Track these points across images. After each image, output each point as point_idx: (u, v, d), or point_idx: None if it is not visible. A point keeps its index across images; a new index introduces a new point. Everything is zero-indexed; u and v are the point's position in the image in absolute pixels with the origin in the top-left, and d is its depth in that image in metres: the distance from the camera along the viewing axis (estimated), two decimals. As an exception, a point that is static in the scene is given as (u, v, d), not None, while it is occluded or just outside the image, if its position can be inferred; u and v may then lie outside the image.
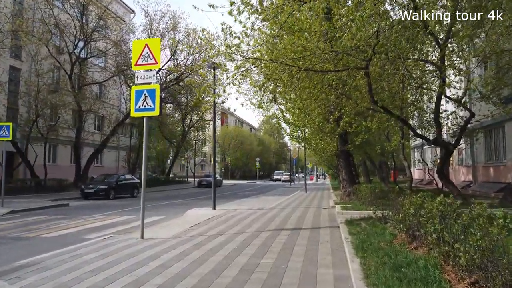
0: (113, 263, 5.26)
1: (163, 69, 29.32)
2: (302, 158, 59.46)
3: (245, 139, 69.64)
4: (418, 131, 14.64)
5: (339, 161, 15.86)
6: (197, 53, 27.58)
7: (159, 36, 27.39)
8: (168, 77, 30.20)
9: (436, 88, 10.69)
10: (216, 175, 43.45)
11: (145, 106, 7.50)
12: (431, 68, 10.96)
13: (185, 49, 28.18)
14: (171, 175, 53.57)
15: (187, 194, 25.65)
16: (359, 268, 4.57)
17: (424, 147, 20.29)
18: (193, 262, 5.31)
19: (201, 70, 24.00)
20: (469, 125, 16.47)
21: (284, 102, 14.02)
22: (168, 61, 29.07)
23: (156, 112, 7.47)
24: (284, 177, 59.66)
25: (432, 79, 11.04)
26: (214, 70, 12.40)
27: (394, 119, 11.74)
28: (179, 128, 40.85)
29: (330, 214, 11.39)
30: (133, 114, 7.64)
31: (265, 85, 7.99)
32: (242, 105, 42.17)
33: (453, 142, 11.07)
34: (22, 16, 21.91)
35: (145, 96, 7.51)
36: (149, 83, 7.61)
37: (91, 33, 24.83)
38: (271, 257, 5.58)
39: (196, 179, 40.32)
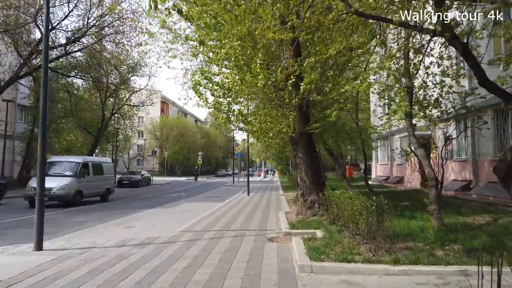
0: None
1: (59, 29, 21.46)
2: (254, 153, 53.22)
3: (187, 130, 62.06)
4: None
5: (297, 151, 9.81)
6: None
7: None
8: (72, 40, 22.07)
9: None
10: (144, 172, 36.14)
11: None
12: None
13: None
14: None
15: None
16: None
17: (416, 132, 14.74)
18: None
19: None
20: (468, 103, 11.46)
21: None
22: (65, 17, 21.09)
23: None
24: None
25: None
26: None
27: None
28: (99, 115, 32.44)
29: (283, 266, 5.21)
30: None
31: None
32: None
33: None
34: None
35: None
36: None
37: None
38: None
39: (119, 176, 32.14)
